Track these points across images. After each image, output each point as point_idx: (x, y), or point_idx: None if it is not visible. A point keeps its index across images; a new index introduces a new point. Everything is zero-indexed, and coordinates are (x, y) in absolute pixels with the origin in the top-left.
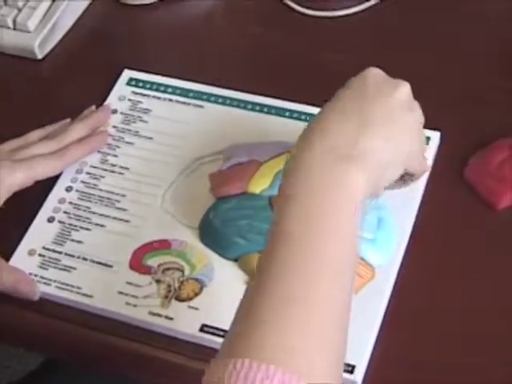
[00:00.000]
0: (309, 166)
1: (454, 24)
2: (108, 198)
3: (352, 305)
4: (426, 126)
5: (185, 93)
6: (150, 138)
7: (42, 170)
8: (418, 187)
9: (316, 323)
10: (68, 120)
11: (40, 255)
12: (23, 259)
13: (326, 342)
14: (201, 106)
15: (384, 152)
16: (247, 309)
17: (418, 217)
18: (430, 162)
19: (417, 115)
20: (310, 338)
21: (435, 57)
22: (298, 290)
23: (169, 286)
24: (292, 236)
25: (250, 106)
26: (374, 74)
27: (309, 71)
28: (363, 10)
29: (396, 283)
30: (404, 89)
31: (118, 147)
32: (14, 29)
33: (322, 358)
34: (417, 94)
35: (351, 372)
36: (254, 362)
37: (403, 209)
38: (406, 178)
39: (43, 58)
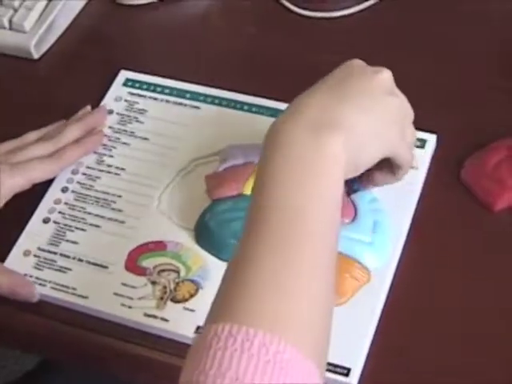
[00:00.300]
0: (289, 136)
1: (450, 24)
2: (104, 199)
3: (348, 308)
4: (423, 128)
5: (181, 94)
6: (146, 139)
7: (40, 174)
8: (415, 189)
9: (298, 292)
10: (64, 121)
11: (35, 256)
12: (18, 260)
13: (309, 307)
14: (197, 107)
15: (362, 126)
16: (230, 279)
17: (414, 219)
18: (426, 164)
19: (398, 101)
20: (292, 303)
21: (432, 58)
22: (279, 265)
23: (164, 287)
24: (272, 208)
25: (246, 108)
26: (358, 62)
27: (305, 72)
28: (360, 11)
29: (392, 285)
30: (386, 74)
31: (114, 148)
32: (10, 29)
33: (304, 321)
34: (414, 96)
35: (346, 375)
36: (234, 326)
37: (399, 211)
38: (394, 170)
39: (39, 58)
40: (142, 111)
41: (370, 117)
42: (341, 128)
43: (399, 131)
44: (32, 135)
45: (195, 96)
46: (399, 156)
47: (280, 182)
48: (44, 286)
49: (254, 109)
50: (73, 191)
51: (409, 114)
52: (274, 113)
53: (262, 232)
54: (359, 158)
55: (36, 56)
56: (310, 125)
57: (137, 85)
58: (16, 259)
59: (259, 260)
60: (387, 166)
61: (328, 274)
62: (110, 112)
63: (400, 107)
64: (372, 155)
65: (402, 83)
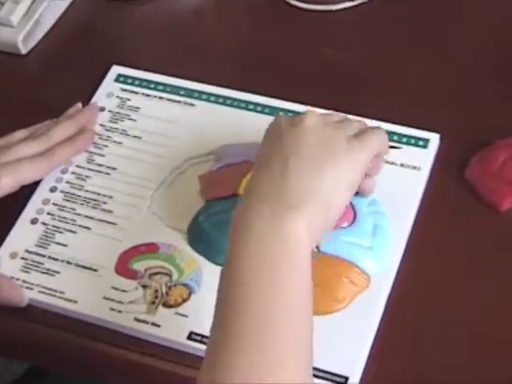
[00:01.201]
0: (250, 228)
1: (453, 23)
2: (94, 200)
3: (346, 314)
4: (426, 128)
5: (175, 90)
6: (139, 138)
7: (29, 174)
8: (416, 190)
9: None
10: (54, 120)
11: (22, 258)
12: (5, 262)
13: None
14: (192, 105)
15: (322, 186)
16: (207, 372)
17: (417, 220)
18: (429, 164)
19: (337, 127)
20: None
21: (433, 56)
22: (254, 364)
23: (156, 291)
24: (240, 310)
25: (242, 105)
26: (282, 120)
27: (303, 68)
28: (360, 4)
29: (393, 290)
30: (311, 115)
31: (106, 146)
32: None
33: None
34: (415, 94)
35: None
36: None
37: (400, 213)
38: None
39: (27, 54)
40: (135, 108)
41: (325, 170)
42: (298, 205)
43: (351, 144)
44: (20, 134)
45: (189, 93)
46: (374, 150)
47: (247, 282)
48: (31, 289)
49: (250, 106)
50: (62, 191)
51: (342, 121)
52: (270, 110)
53: (235, 334)
54: (330, 210)
55: (24, 51)
56: (267, 213)
57: (129, 81)
58: (2, 261)
59: (234, 360)
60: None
61: (305, 358)
62: (102, 109)
63: (340, 129)
64: (345, 194)
65: (402, 81)
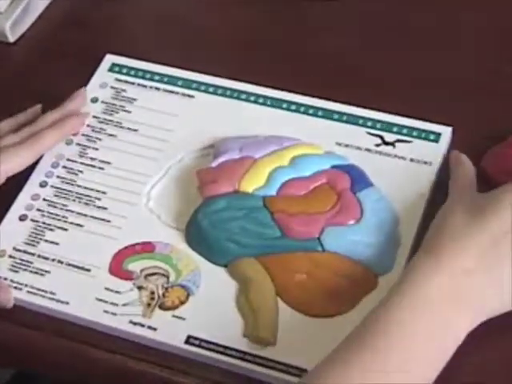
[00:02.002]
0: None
1: (466, 11)
2: (87, 196)
3: (352, 317)
4: (437, 121)
5: (173, 81)
6: (135, 130)
7: (13, 164)
8: (426, 186)
9: None
10: (39, 106)
11: (10, 257)
12: None
13: None
14: (190, 96)
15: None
16: None
17: (426, 218)
18: (440, 159)
19: None
20: None
21: (445, 46)
22: None
23: (152, 293)
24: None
25: (243, 97)
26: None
27: (308, 59)
28: None
29: None
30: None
31: (99, 139)
32: None
33: None
34: (426, 87)
35: None
36: None
37: (409, 210)
38: None
39: (15, 42)
40: (130, 100)
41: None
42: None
43: None
44: (6, 124)
45: (188, 83)
46: None
47: (396, 346)
48: (20, 289)
49: (251, 98)
50: (52, 186)
51: None
52: (272, 102)
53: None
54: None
55: (12, 39)
56: (445, 301)
57: (124, 70)
58: None
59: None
60: None
61: None
62: (95, 100)
63: None
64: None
65: (412, 72)
